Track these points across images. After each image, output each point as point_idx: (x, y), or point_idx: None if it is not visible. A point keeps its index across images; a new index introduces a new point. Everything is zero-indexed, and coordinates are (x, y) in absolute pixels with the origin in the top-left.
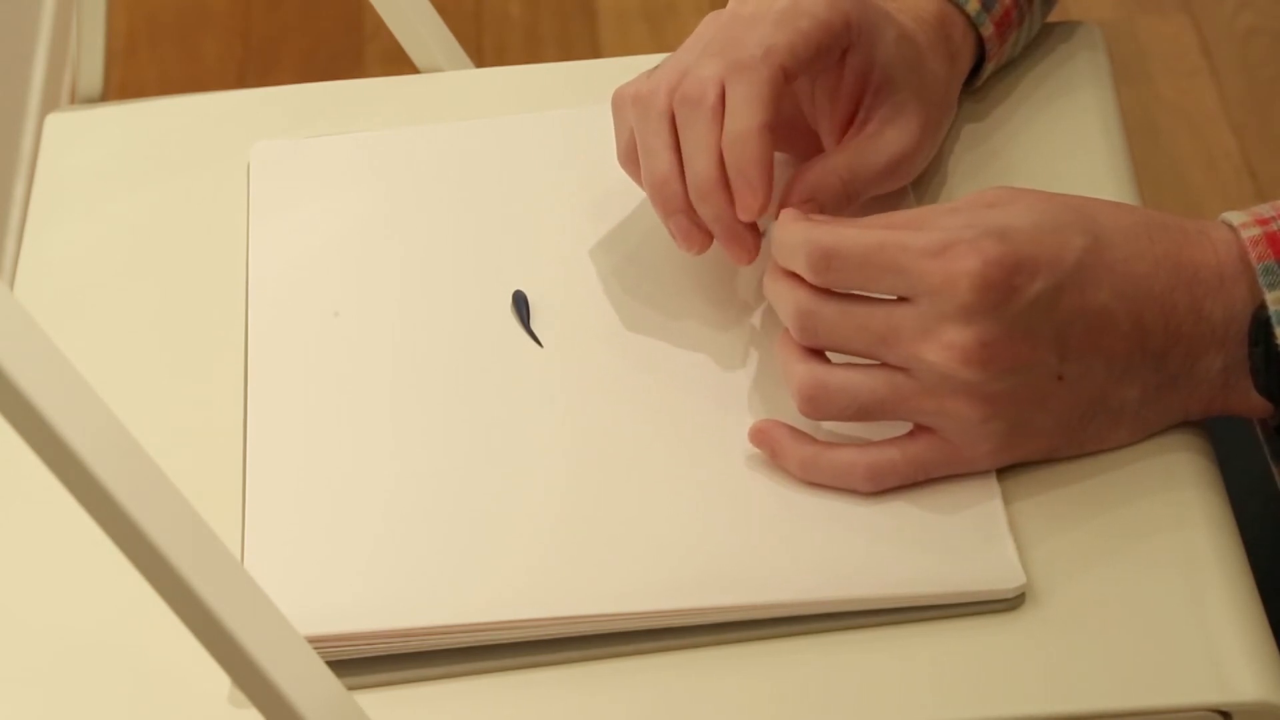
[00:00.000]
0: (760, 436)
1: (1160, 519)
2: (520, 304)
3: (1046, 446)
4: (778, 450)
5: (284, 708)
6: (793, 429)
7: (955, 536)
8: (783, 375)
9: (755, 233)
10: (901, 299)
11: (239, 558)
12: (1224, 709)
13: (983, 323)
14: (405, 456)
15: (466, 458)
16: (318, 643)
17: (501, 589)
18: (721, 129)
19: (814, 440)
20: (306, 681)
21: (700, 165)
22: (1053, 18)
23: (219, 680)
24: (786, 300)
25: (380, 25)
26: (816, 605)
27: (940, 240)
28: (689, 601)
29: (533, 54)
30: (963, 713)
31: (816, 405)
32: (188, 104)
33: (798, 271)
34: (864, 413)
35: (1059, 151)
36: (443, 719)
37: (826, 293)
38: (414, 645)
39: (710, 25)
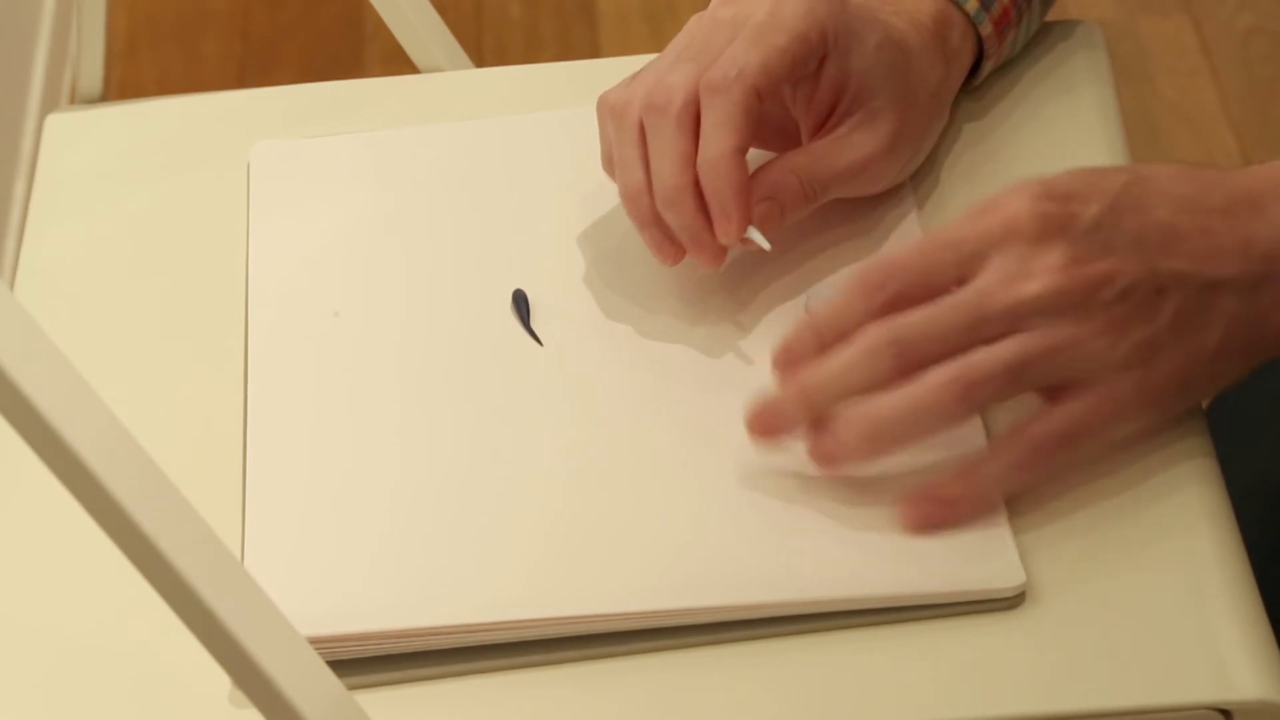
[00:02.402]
0: (930, 511)
1: (1161, 519)
2: (520, 303)
3: (1181, 370)
4: (948, 506)
5: (284, 708)
6: (934, 485)
7: (955, 536)
8: (917, 394)
9: (720, 243)
10: (967, 277)
11: (239, 558)
12: (1225, 708)
13: (1058, 245)
14: (404, 456)
15: (466, 457)
16: (318, 643)
17: (501, 589)
18: (687, 136)
19: (963, 470)
20: (306, 681)
21: (665, 173)
22: (1052, 18)
23: (219, 680)
24: (869, 342)
25: (380, 25)
26: (816, 605)
27: (981, 204)
28: (688, 601)
29: (533, 54)
30: (963, 713)
31: (970, 396)
32: (188, 104)
33: (860, 301)
34: (1018, 378)
35: (1059, 152)
36: (442, 719)
37: (896, 314)
38: (414, 645)
39: (691, 27)
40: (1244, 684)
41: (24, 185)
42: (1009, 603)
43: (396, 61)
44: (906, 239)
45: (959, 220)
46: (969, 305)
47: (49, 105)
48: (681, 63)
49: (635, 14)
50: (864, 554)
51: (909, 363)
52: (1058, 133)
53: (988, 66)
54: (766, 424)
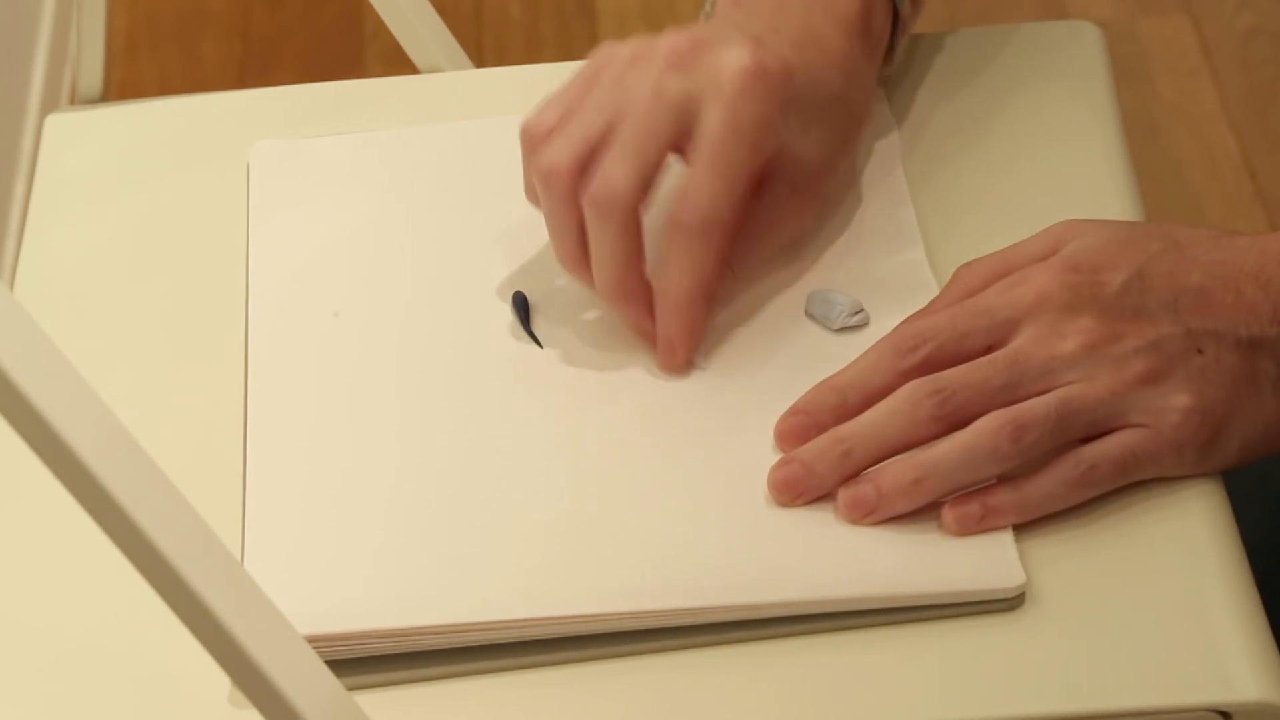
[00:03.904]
0: (975, 512)
1: (1161, 521)
2: (520, 305)
3: (1234, 417)
4: (994, 513)
5: (284, 708)
6: (982, 490)
7: (956, 537)
8: (969, 437)
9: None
10: (997, 345)
11: (239, 558)
12: (1224, 709)
13: (1090, 310)
14: (404, 456)
15: (465, 458)
16: (318, 642)
17: (501, 589)
18: (632, 238)
19: (1012, 481)
20: (306, 681)
21: (607, 274)
22: (1052, 18)
23: (219, 681)
24: (908, 392)
25: (380, 25)
26: (817, 605)
27: (1010, 277)
28: (689, 601)
29: (533, 54)
30: (963, 713)
31: (1021, 439)
32: (188, 104)
33: (890, 362)
34: (1065, 423)
35: (1059, 152)
36: (442, 719)
37: (930, 372)
38: (414, 645)
39: (624, 78)
40: (1243, 685)
41: (24, 185)
42: (1009, 603)
43: (396, 61)
44: (906, 240)
45: (987, 291)
46: (1007, 361)
47: (49, 105)
48: (624, 156)
49: (635, 14)
50: (864, 554)
51: (949, 413)
52: (1057, 133)
53: (901, 43)
54: (793, 481)
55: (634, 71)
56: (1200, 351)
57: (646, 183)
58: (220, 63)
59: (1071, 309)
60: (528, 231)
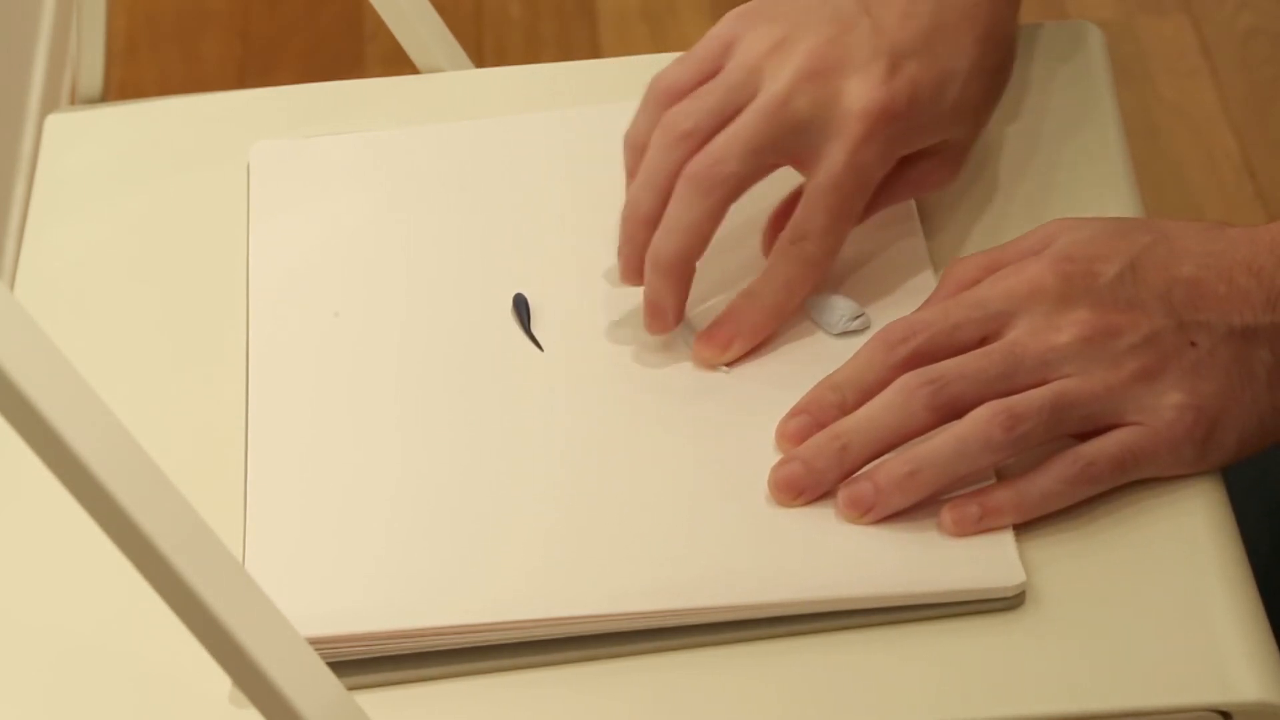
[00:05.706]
0: (974, 513)
1: (1161, 519)
2: (521, 307)
3: (1230, 411)
4: (993, 513)
5: (284, 708)
6: (980, 491)
7: (955, 538)
8: (962, 428)
9: (678, 318)
10: (991, 337)
11: (240, 558)
12: (1224, 709)
13: (1084, 302)
14: (405, 457)
15: (466, 459)
16: (318, 644)
17: (502, 590)
18: (714, 221)
19: (1009, 480)
20: (306, 682)
21: (675, 243)
22: (1052, 18)
23: (219, 681)
24: (902, 383)
25: (380, 25)
26: (817, 605)
27: (1002, 270)
28: (689, 601)
29: (533, 54)
30: (963, 713)
31: (1015, 428)
32: (188, 104)
33: (881, 356)
34: (1059, 416)
35: (1059, 152)
36: (442, 719)
37: (923, 365)
38: (415, 646)
39: (752, 54)
40: (1243, 685)
41: (24, 185)
42: (1009, 603)
43: (396, 61)
44: (908, 243)
45: (980, 284)
46: (1003, 351)
47: (49, 105)
48: (744, 148)
49: (635, 14)
50: (864, 554)
51: (943, 403)
52: (1057, 133)
53: None
54: (793, 480)
55: (771, 61)
56: (1193, 344)
57: (751, 181)
58: (220, 63)
59: (1066, 300)
60: (529, 233)
